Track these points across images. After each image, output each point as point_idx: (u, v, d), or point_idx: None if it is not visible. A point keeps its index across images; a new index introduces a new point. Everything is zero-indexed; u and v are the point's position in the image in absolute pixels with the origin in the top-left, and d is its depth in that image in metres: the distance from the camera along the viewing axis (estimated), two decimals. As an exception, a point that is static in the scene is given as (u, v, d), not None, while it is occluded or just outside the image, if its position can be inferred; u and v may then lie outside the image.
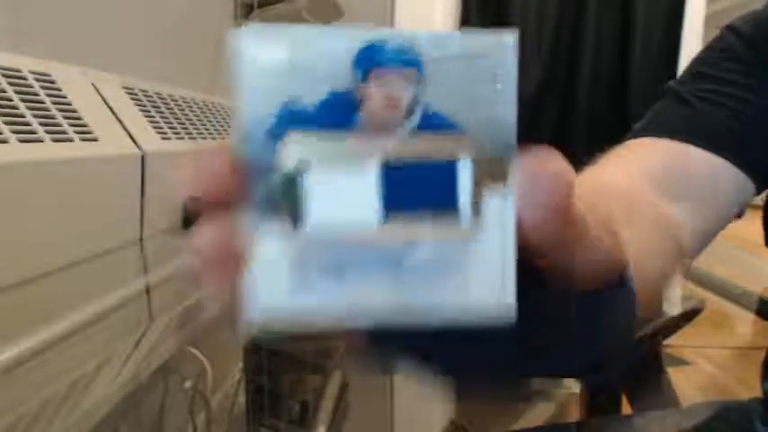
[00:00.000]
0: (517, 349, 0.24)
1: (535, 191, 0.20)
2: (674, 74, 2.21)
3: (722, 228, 0.53)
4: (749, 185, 0.54)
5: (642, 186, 0.47)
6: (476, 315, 0.20)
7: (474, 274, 0.20)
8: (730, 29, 0.57)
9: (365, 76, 0.19)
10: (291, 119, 0.19)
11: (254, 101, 0.19)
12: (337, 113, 0.19)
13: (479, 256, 0.20)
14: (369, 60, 0.19)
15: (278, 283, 0.19)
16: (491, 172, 0.20)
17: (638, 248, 0.30)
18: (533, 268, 0.23)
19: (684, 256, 0.46)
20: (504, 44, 0.20)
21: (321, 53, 0.19)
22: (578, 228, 0.22)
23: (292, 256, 0.19)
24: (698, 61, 0.59)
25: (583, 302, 0.25)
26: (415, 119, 0.20)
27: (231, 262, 0.19)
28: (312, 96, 0.19)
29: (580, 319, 0.25)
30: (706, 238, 0.52)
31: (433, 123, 0.20)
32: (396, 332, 0.21)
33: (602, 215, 0.26)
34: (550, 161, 0.21)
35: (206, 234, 0.20)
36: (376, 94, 0.19)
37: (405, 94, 0.20)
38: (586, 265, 0.24)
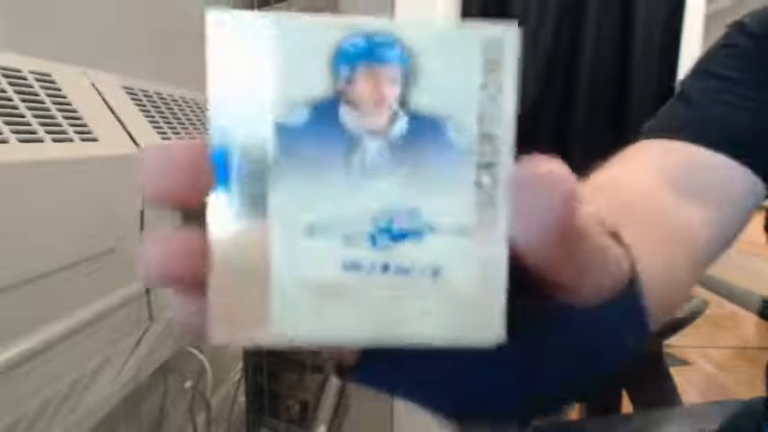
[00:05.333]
0: (516, 371, 0.22)
1: (532, 206, 0.17)
2: (674, 74, 2.21)
3: (739, 233, 0.48)
4: (760, 186, 0.51)
5: (654, 187, 0.43)
6: (460, 337, 0.18)
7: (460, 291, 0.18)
8: (739, 26, 0.55)
9: (351, 74, 0.17)
10: (278, 132, 0.17)
11: (228, 95, 0.17)
12: (321, 124, 0.17)
13: (465, 274, 0.18)
14: (355, 56, 0.17)
15: (252, 298, 0.17)
16: (482, 180, 0.18)
17: (643, 256, 0.26)
18: (529, 284, 0.20)
19: (699, 263, 0.41)
20: (504, 37, 0.18)
21: (300, 46, 0.17)
22: (582, 244, 0.19)
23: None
24: (704, 59, 0.57)
25: (584, 318, 0.22)
26: (403, 122, 0.17)
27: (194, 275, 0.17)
28: (292, 93, 0.17)
29: (582, 336, 0.22)
30: (723, 246, 0.47)
31: (422, 126, 0.17)
32: (383, 353, 0.19)
33: (607, 220, 0.23)
34: (551, 169, 0.17)
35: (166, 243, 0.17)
36: (364, 93, 0.17)
37: (393, 93, 0.17)
38: (588, 279, 0.21)
